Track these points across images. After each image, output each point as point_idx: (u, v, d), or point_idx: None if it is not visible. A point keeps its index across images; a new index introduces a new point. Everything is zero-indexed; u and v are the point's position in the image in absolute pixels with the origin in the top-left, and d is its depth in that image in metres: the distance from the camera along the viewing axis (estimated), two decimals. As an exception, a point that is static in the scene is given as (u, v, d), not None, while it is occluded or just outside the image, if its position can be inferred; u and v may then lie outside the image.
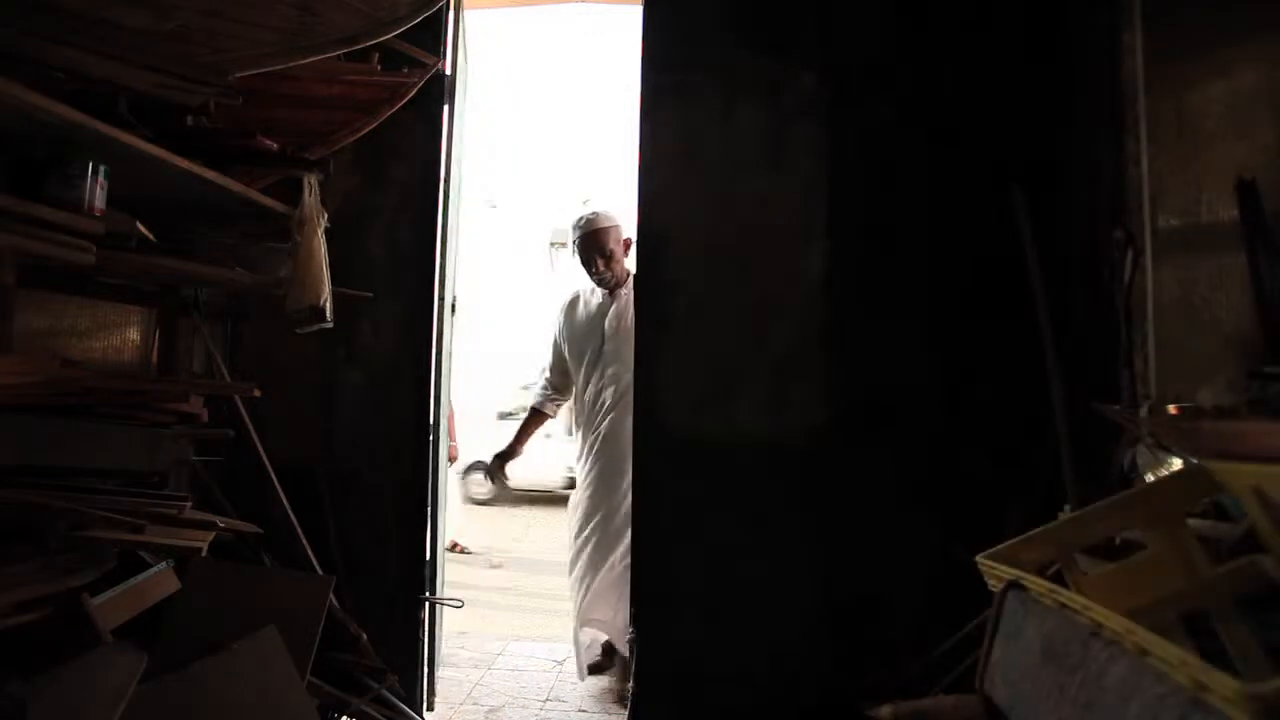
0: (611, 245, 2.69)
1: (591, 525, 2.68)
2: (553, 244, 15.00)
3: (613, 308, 2.74)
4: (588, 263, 2.72)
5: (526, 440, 2.95)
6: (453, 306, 2.63)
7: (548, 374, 2.90)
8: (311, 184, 2.01)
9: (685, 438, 2.39)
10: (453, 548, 5.48)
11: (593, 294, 2.79)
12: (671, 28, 2.47)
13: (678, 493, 2.38)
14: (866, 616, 2.35)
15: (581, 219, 2.75)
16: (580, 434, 2.77)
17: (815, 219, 2.45)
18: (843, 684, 2.29)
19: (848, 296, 2.38)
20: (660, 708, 2.31)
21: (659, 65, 2.44)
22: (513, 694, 2.64)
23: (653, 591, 2.35)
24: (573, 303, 2.86)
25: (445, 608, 2.51)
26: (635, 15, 2.48)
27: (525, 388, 5.90)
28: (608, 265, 2.69)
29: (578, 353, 2.78)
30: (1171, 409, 1.69)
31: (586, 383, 2.74)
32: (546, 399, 2.91)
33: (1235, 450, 1.50)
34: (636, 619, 2.34)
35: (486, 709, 2.54)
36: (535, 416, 2.94)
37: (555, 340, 2.86)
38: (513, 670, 2.81)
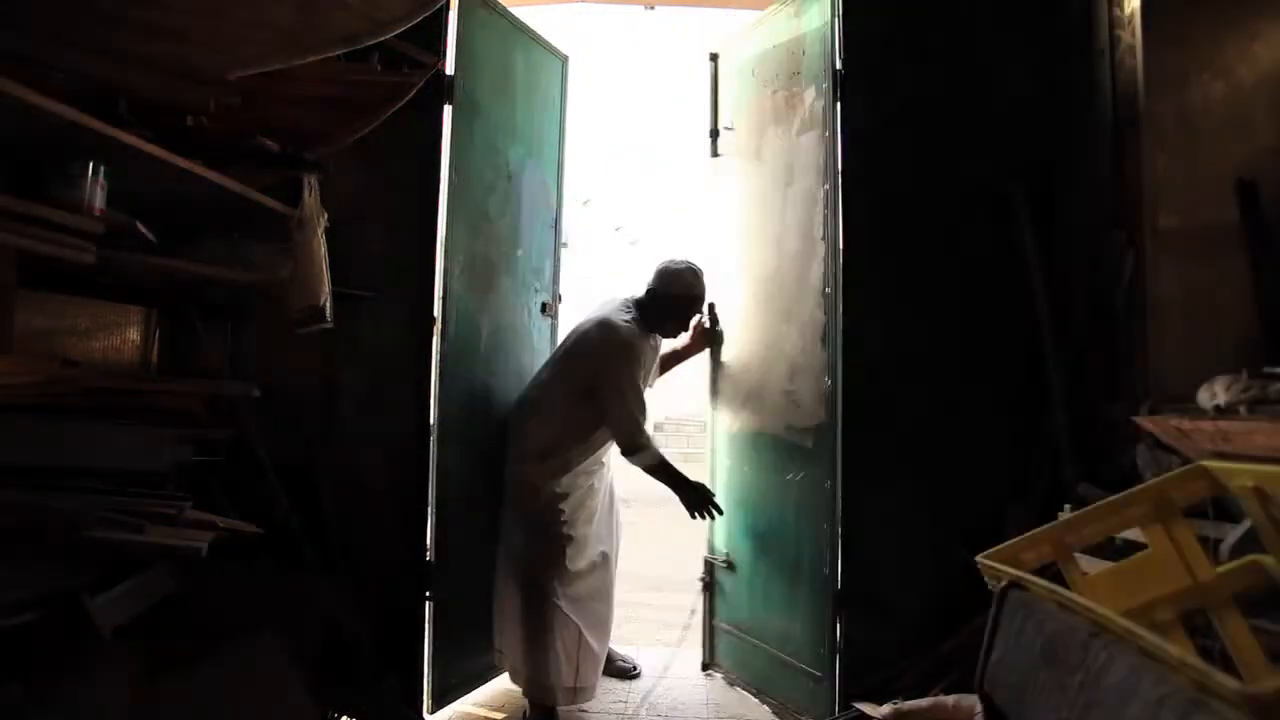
0: None
1: (601, 553, 2.62)
2: (553, 244, 14.99)
3: (656, 358, 2.67)
4: (686, 319, 2.63)
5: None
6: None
7: (643, 411, 2.50)
8: (311, 184, 2.01)
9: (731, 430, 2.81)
10: None
11: (644, 338, 2.55)
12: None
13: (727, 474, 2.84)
14: (866, 615, 2.35)
15: (699, 274, 2.61)
16: (578, 457, 2.53)
17: (817, 225, 2.45)
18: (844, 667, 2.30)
19: (848, 298, 2.38)
20: (716, 649, 2.88)
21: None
22: (513, 694, 2.64)
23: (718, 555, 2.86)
24: (636, 343, 2.51)
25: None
26: (635, 16, 2.49)
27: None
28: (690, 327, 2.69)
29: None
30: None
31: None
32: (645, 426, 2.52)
33: (1235, 450, 1.50)
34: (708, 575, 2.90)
35: (486, 710, 2.54)
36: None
37: (641, 379, 2.51)
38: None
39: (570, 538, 2.47)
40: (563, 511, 2.46)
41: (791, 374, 2.51)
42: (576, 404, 2.48)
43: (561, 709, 2.46)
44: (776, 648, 2.55)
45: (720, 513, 2.58)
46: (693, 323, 2.69)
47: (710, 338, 2.83)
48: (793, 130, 2.58)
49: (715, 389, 2.90)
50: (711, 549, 2.90)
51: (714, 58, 3.03)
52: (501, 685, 2.70)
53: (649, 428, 2.54)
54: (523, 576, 2.48)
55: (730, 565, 2.79)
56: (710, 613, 2.90)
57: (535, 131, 2.88)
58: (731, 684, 2.75)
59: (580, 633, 2.48)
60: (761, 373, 2.66)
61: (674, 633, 3.73)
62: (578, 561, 2.50)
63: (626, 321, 2.52)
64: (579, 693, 2.50)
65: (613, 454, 2.66)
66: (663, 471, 2.49)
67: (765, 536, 2.65)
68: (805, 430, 2.45)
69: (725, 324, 2.82)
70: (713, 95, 3.01)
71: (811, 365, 2.43)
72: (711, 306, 2.83)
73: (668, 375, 2.85)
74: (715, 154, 3.01)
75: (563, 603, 2.44)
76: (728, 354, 2.82)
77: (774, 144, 2.68)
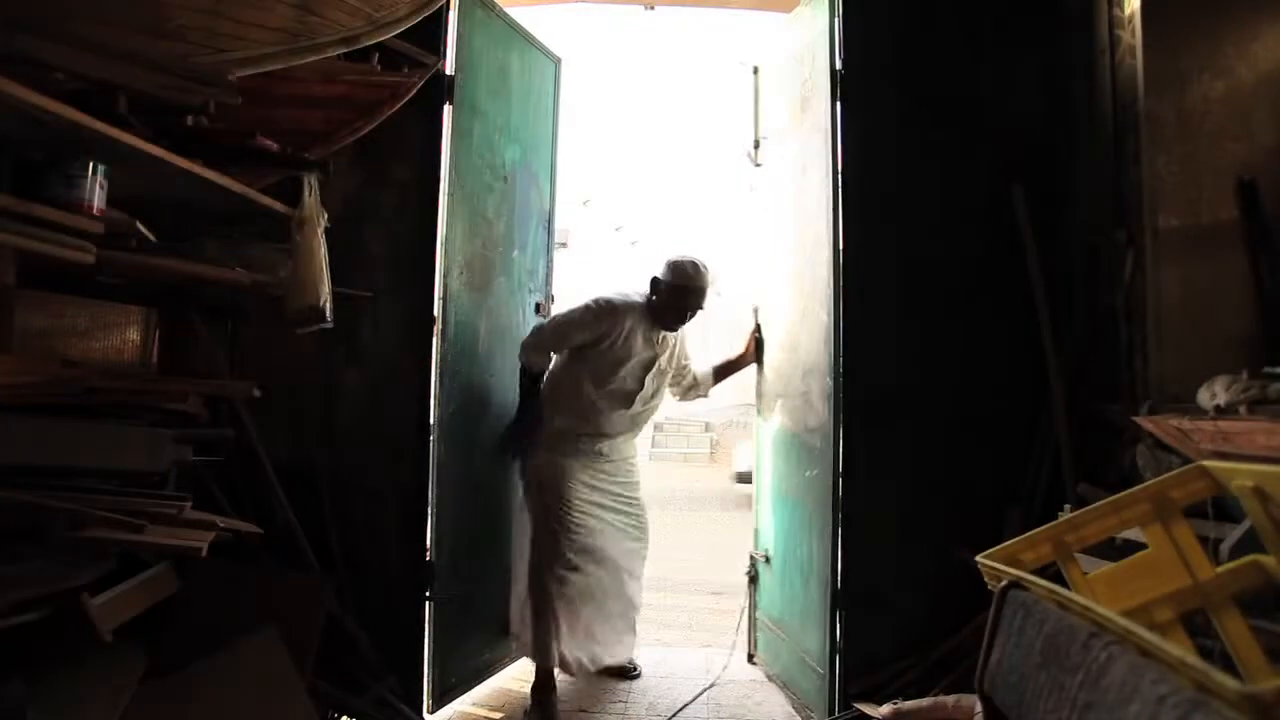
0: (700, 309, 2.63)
1: (603, 548, 2.65)
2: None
3: (660, 359, 2.66)
4: (684, 310, 2.58)
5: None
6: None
7: (550, 346, 2.60)
8: (311, 184, 2.01)
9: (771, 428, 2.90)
10: None
11: (647, 329, 2.60)
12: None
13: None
14: (866, 615, 2.35)
15: (702, 270, 2.59)
16: (568, 431, 2.60)
17: (823, 226, 2.45)
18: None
19: (847, 298, 2.39)
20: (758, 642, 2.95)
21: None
22: (513, 694, 2.64)
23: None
24: (624, 317, 2.56)
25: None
26: (634, 16, 2.50)
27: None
28: (683, 323, 2.64)
29: (604, 372, 2.57)
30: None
31: (600, 401, 2.58)
32: (543, 355, 2.61)
33: (1235, 450, 1.50)
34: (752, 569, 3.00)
35: (486, 709, 2.54)
36: (535, 381, 2.61)
37: (586, 338, 2.55)
38: (512, 671, 2.81)
39: (569, 527, 2.53)
40: (567, 500, 2.53)
41: (805, 374, 2.56)
42: (569, 363, 2.61)
43: (564, 709, 2.47)
44: (795, 643, 2.59)
45: (513, 456, 2.62)
46: (689, 318, 2.65)
47: (760, 347, 2.92)
48: (805, 133, 2.62)
49: (759, 389, 2.99)
50: (756, 543, 2.99)
51: (755, 70, 3.12)
52: (500, 685, 2.70)
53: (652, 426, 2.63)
54: (530, 558, 2.58)
55: (768, 560, 2.86)
56: (753, 606, 2.97)
57: (530, 133, 2.90)
58: (769, 678, 2.79)
59: (563, 611, 2.52)
60: (788, 373, 2.72)
61: (674, 633, 3.74)
62: (574, 549, 2.55)
63: (630, 301, 2.60)
64: (565, 662, 2.54)
65: (640, 465, 2.81)
66: (520, 381, 2.62)
67: (790, 533, 2.70)
68: (815, 430, 2.47)
69: (767, 327, 2.92)
70: (755, 106, 3.10)
71: (819, 365, 2.45)
72: (755, 311, 2.97)
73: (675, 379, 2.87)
74: (757, 164, 3.08)
75: (553, 582, 2.51)
76: (767, 356, 2.91)
77: (793, 147, 2.74)
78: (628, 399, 2.61)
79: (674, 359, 2.76)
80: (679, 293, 2.57)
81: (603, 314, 2.56)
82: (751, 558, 2.99)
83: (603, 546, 2.62)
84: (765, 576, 2.91)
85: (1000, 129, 2.44)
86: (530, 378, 2.62)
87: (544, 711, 2.46)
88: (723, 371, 2.97)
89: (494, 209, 2.65)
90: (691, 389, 2.90)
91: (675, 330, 2.67)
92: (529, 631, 2.55)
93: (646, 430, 2.86)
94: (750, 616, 2.98)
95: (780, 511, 2.82)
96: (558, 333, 2.59)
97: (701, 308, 2.63)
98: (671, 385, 2.84)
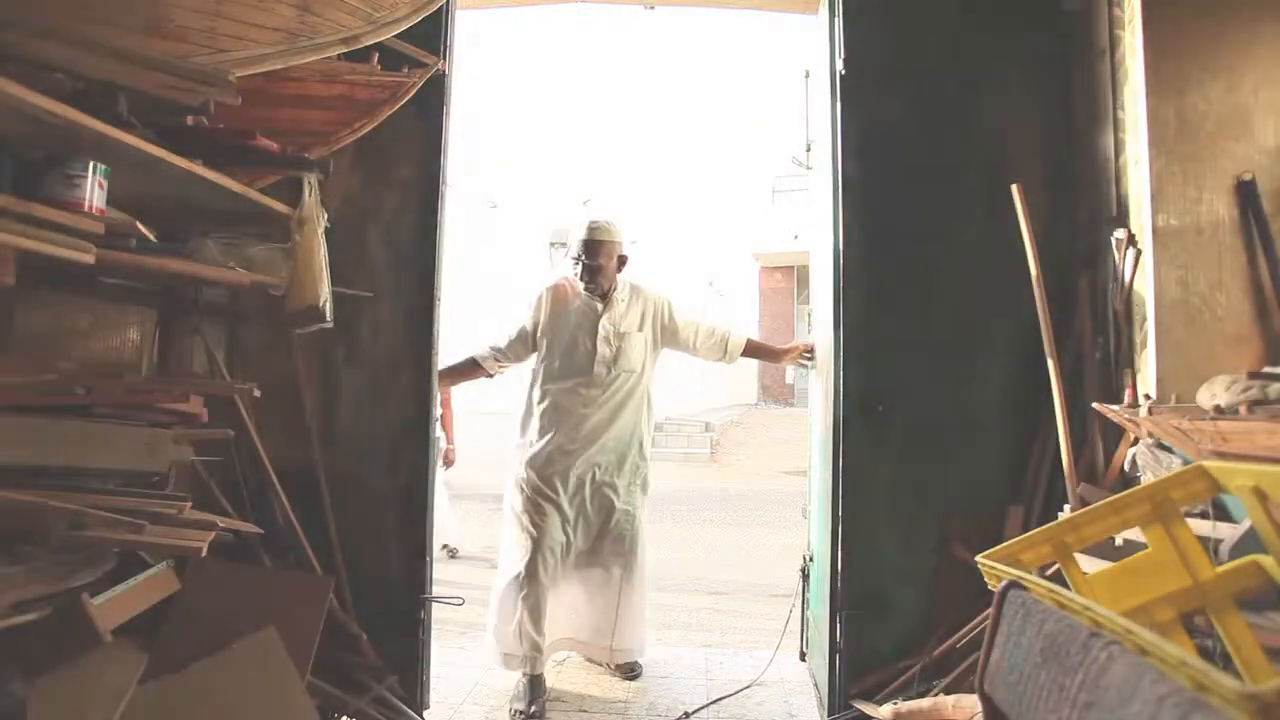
0: (602, 259, 2.68)
1: (580, 535, 2.73)
2: (552, 244, 15.04)
3: (604, 319, 2.70)
4: (575, 262, 2.74)
5: (456, 382, 2.95)
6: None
7: (503, 346, 2.81)
8: (311, 184, 2.01)
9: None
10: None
11: (584, 293, 2.74)
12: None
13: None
14: (866, 615, 2.35)
15: (589, 223, 2.74)
16: (538, 428, 2.71)
17: (825, 227, 2.46)
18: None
19: (846, 298, 2.39)
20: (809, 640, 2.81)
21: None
22: (505, 691, 2.63)
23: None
24: (559, 294, 2.78)
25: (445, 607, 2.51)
26: (634, 16, 2.50)
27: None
28: (593, 276, 2.69)
29: (556, 350, 2.73)
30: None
31: (561, 382, 2.70)
32: (493, 359, 2.82)
33: (1235, 450, 1.50)
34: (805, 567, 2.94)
35: (486, 709, 2.54)
36: (474, 368, 2.84)
37: (526, 327, 2.78)
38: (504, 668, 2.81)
39: (527, 528, 2.64)
40: (527, 499, 2.67)
41: (825, 375, 2.58)
42: (540, 359, 2.78)
43: (564, 709, 2.48)
44: (822, 640, 2.57)
45: None
46: (587, 273, 2.71)
47: (799, 353, 2.95)
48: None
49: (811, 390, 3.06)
50: (808, 542, 2.99)
51: (807, 74, 3.13)
52: (501, 683, 2.70)
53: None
54: (507, 568, 2.70)
55: (813, 559, 2.87)
56: (804, 604, 2.96)
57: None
58: (812, 676, 2.77)
59: (529, 618, 2.61)
60: (821, 375, 2.75)
61: (674, 633, 3.74)
62: (532, 548, 2.64)
63: (556, 277, 2.84)
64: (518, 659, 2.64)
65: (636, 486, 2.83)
66: (465, 359, 2.87)
67: (819, 532, 2.70)
68: (828, 430, 2.47)
69: (815, 329, 2.92)
70: (806, 110, 3.11)
71: (830, 367, 2.47)
72: (809, 314, 3.07)
73: (674, 377, 2.92)
74: (809, 167, 3.10)
75: (531, 584, 2.62)
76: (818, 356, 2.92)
77: (818, 148, 2.78)
78: (586, 364, 2.68)
79: (652, 325, 2.80)
80: (576, 247, 2.72)
81: (533, 296, 2.80)
82: (804, 556, 2.99)
83: (572, 548, 2.72)
84: (813, 576, 2.90)
85: (1000, 129, 2.44)
86: (467, 366, 2.84)
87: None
88: (755, 350, 3.06)
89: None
90: (722, 356, 2.95)
91: (593, 286, 2.70)
92: (511, 639, 2.62)
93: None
94: (801, 615, 2.96)
95: (820, 508, 2.82)
96: (508, 329, 2.80)
97: (586, 254, 2.69)
98: (699, 347, 2.89)
